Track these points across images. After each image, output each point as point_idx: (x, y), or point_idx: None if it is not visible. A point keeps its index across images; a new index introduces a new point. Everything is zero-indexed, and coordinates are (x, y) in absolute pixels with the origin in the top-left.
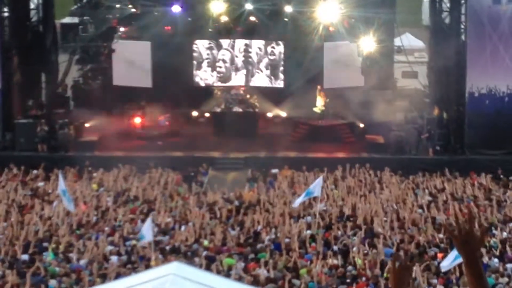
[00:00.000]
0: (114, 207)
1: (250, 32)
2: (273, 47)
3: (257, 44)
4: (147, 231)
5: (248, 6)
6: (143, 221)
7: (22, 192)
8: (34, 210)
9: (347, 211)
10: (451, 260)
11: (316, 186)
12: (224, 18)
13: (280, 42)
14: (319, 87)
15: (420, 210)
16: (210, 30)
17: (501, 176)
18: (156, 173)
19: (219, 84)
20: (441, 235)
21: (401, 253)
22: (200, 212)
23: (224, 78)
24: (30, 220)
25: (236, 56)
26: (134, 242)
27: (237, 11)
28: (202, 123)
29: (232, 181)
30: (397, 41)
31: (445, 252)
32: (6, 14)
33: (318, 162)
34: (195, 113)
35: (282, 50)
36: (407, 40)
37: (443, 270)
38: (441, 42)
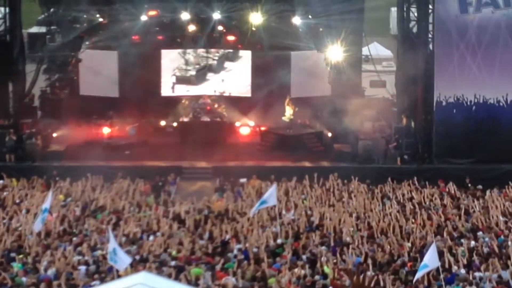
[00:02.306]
0: (82, 217)
1: (218, 41)
2: (240, 56)
3: (224, 53)
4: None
5: (216, 16)
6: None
7: None
8: (1, 220)
9: (315, 220)
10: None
11: (271, 195)
12: (192, 28)
13: (247, 51)
14: (288, 96)
15: (388, 219)
16: (178, 40)
17: (469, 184)
18: (123, 183)
19: (187, 93)
20: (409, 244)
21: (370, 262)
22: (168, 222)
23: (192, 87)
24: None
25: (204, 66)
26: (101, 252)
27: (205, 20)
28: (170, 132)
29: (200, 191)
30: (365, 50)
31: (414, 261)
32: None
33: (286, 171)
34: (162, 123)
35: (250, 59)
36: (375, 49)
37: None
38: (408, 51)
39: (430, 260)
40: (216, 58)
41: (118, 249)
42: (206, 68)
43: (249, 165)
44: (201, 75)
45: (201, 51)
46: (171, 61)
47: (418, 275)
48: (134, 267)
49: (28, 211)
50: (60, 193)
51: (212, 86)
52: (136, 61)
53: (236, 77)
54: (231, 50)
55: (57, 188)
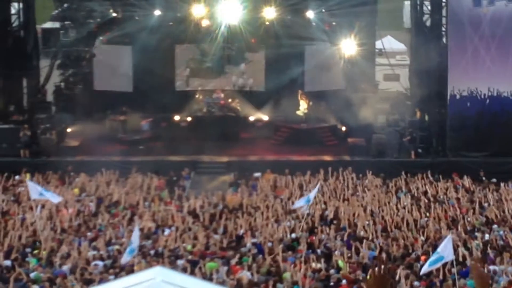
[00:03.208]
0: (96, 212)
1: (232, 36)
2: (254, 51)
3: (239, 48)
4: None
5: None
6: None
7: (4, 198)
8: (16, 215)
9: (330, 214)
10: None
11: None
12: (206, 22)
13: (261, 46)
14: (300, 91)
15: (402, 213)
16: (191, 34)
17: (483, 178)
18: (138, 177)
19: (201, 88)
20: (423, 238)
21: (384, 256)
22: (183, 217)
23: (206, 82)
24: (13, 225)
25: (218, 60)
26: (117, 247)
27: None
28: (184, 127)
29: (215, 185)
30: (378, 44)
31: (428, 255)
32: None
33: (301, 165)
34: (177, 117)
35: (264, 54)
36: (389, 43)
37: (422, 273)
38: (422, 44)
39: (446, 252)
40: (230, 52)
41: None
42: (219, 62)
43: (263, 159)
44: (214, 70)
45: (214, 45)
46: (185, 52)
47: (433, 267)
48: (149, 261)
49: (43, 206)
50: (75, 187)
51: (226, 80)
52: (150, 56)
53: (250, 71)
54: (244, 44)
55: (71, 183)
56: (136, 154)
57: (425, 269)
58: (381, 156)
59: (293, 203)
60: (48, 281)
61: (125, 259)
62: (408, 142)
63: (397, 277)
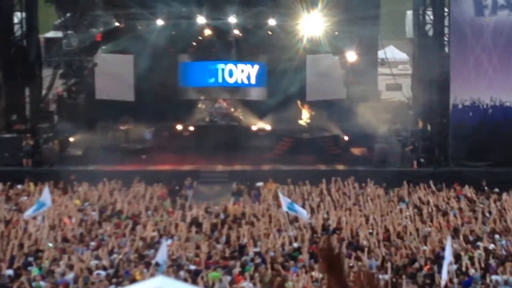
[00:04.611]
0: (99, 221)
1: (233, 45)
2: (256, 60)
3: (240, 57)
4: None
5: (232, 20)
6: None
7: (7, 207)
8: (19, 224)
9: (332, 224)
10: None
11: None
12: (208, 32)
13: (263, 55)
14: (299, 101)
15: (405, 223)
16: (194, 43)
17: (485, 187)
18: (140, 187)
19: (203, 97)
20: (426, 247)
21: (388, 265)
22: (185, 226)
23: (208, 91)
24: (15, 235)
25: (220, 69)
26: (119, 256)
27: (220, 24)
28: (187, 136)
29: (217, 195)
30: (380, 54)
31: (431, 264)
32: None
33: (303, 175)
34: (179, 127)
35: (265, 63)
36: (391, 52)
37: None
38: (424, 54)
39: (448, 254)
40: (232, 61)
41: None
42: (221, 71)
43: (265, 169)
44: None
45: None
46: (186, 64)
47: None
48: (151, 271)
49: (45, 216)
50: (77, 198)
51: (228, 90)
52: (152, 65)
53: (251, 81)
54: (246, 54)
55: (74, 192)
56: (138, 164)
57: (444, 277)
58: (383, 166)
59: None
60: None
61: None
62: (410, 152)
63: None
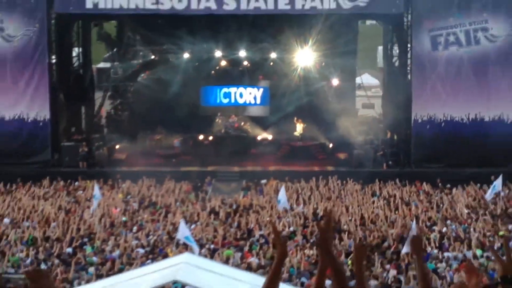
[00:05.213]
0: (138, 210)
1: (244, 73)
2: (261, 85)
3: (248, 82)
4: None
5: (242, 54)
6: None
7: (67, 199)
8: (76, 213)
9: (320, 212)
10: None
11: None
12: (223, 63)
13: (266, 81)
14: (295, 118)
15: (376, 211)
16: (212, 72)
17: (439, 184)
18: (171, 183)
19: (219, 114)
20: (393, 230)
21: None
22: (206, 214)
23: (223, 109)
24: (74, 221)
25: (233, 92)
26: (154, 237)
27: (233, 57)
28: (207, 144)
29: (230, 190)
30: (358, 80)
31: (397, 243)
32: (54, 61)
33: (297, 174)
34: (201, 137)
35: (268, 87)
36: (366, 79)
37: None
38: (392, 80)
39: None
40: (243, 85)
41: (190, 236)
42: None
43: (268, 170)
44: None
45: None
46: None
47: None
48: (179, 249)
49: (98, 206)
50: (121, 192)
51: (239, 107)
52: (180, 89)
53: (258, 101)
54: (253, 80)
55: (119, 188)
56: (169, 166)
57: (405, 251)
58: (360, 167)
59: (292, 204)
60: (101, 264)
61: (195, 249)
62: (380, 156)
63: (374, 263)
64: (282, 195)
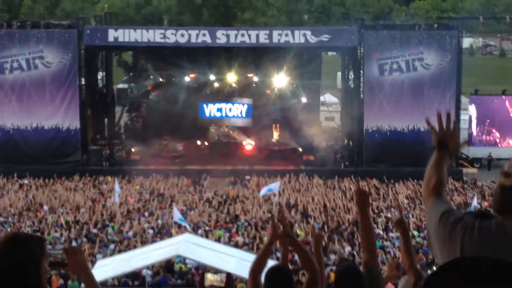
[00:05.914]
0: (149, 200)
1: (232, 93)
2: (246, 102)
3: (236, 99)
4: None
5: (231, 77)
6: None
7: (93, 191)
8: (100, 202)
9: (292, 201)
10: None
11: (275, 186)
12: (216, 84)
13: (250, 99)
14: (274, 126)
15: (336, 201)
16: (207, 91)
17: (385, 179)
18: (175, 179)
19: (213, 124)
20: (349, 216)
21: (326, 227)
22: (202, 203)
23: (216, 121)
24: (98, 208)
25: (224, 107)
26: (162, 221)
27: (224, 80)
28: (203, 148)
29: (222, 184)
30: (321, 98)
31: (353, 226)
32: (83, 82)
33: (274, 172)
34: (198, 142)
35: (251, 104)
36: (328, 97)
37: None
38: (348, 99)
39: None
40: (231, 102)
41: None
42: (225, 109)
43: (251, 168)
44: (221, 113)
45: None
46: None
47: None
48: (181, 230)
49: (117, 196)
50: (136, 185)
51: (229, 119)
52: (182, 104)
53: (243, 114)
54: (239, 98)
55: (134, 182)
56: (174, 165)
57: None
58: (323, 166)
59: (269, 195)
60: (120, 242)
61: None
62: (339, 158)
63: (332, 240)
64: (275, 186)
